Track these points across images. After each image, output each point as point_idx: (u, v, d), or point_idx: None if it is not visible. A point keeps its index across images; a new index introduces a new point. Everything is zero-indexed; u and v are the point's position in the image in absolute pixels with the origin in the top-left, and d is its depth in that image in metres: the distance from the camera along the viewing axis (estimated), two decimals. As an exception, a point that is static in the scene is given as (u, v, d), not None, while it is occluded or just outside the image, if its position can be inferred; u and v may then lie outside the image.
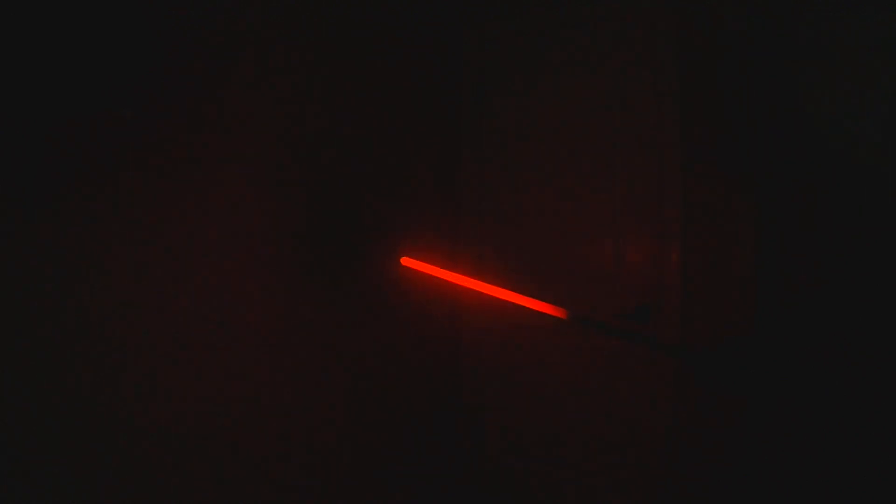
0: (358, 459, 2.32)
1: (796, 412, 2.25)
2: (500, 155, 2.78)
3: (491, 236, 2.80)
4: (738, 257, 2.34)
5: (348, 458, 2.28)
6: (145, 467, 1.64)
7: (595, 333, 2.51)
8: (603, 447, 2.54)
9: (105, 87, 1.52)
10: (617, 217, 2.52)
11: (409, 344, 2.55)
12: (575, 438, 2.60)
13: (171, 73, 1.69)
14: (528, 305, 1.52)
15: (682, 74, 2.41)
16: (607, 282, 2.54)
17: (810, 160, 2.26)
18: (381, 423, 2.42)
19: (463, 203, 2.85)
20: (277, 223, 2.00)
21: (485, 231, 2.81)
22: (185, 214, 1.73)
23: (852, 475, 2.15)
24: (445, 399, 2.82)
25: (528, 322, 2.62)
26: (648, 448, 2.46)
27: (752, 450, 2.31)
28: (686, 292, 2.40)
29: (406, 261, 1.62)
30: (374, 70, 2.39)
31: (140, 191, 1.62)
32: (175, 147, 1.70)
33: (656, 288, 2.45)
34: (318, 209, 2.13)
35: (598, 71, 2.56)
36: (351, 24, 2.29)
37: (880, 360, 2.12)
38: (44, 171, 1.43)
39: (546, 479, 2.67)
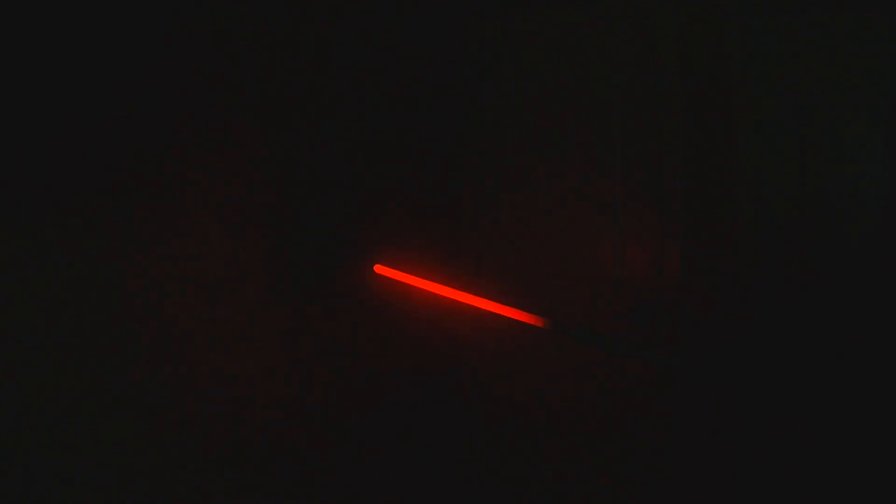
0: (341, 469, 2.32)
1: (794, 414, 2.25)
2: (499, 155, 2.77)
3: (490, 238, 2.78)
4: (739, 257, 2.34)
5: (333, 468, 2.28)
6: (137, 463, 1.66)
7: (578, 343, 2.51)
8: (602, 447, 2.55)
9: (115, 100, 1.57)
10: (617, 218, 2.52)
11: (389, 353, 2.49)
12: (574, 440, 2.60)
13: (168, 80, 1.70)
14: (509, 315, 1.47)
15: (684, 74, 2.41)
16: (607, 282, 2.53)
17: (810, 160, 2.27)
18: (361, 433, 2.39)
19: (463, 203, 2.83)
20: (259, 225, 1.99)
21: (484, 233, 2.79)
22: (166, 217, 1.74)
23: (850, 476, 2.15)
24: (437, 406, 2.78)
25: (522, 328, 2.58)
26: (646, 449, 2.46)
27: (748, 452, 2.31)
28: (686, 292, 2.40)
29: (379, 268, 1.58)
30: (370, 67, 2.38)
31: (124, 204, 1.64)
32: (158, 145, 1.71)
33: (656, 288, 2.45)
34: (297, 214, 2.11)
35: (599, 70, 2.56)
36: (349, 22, 2.29)
37: (880, 362, 2.12)
38: (50, 180, 1.47)
39: (544, 481, 2.66)
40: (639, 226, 2.47)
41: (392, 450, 2.51)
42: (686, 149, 2.40)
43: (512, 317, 1.42)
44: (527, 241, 2.71)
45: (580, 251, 2.59)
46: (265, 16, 2.00)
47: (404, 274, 1.57)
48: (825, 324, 2.19)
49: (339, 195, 2.23)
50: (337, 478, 2.26)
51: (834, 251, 2.19)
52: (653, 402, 2.45)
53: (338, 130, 2.25)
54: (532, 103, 2.70)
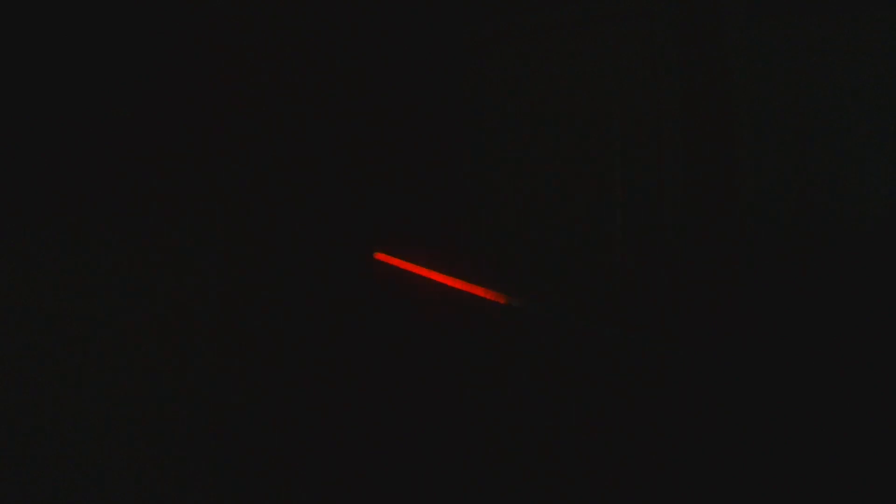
0: (346, 461, 2.31)
1: (794, 414, 2.26)
2: (499, 155, 2.79)
3: (490, 237, 2.80)
4: (739, 257, 2.35)
5: (336, 462, 2.27)
6: (137, 464, 1.65)
7: (585, 334, 2.53)
8: (599, 445, 2.55)
9: (117, 103, 1.55)
10: (617, 217, 2.54)
11: (389, 338, 2.49)
12: (570, 436, 2.61)
13: (167, 69, 1.69)
14: (503, 302, 1.40)
15: (683, 73, 2.42)
16: (607, 282, 2.55)
17: (811, 161, 2.27)
18: (357, 418, 2.39)
19: (463, 205, 2.86)
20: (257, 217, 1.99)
21: (484, 232, 2.81)
22: (164, 211, 1.73)
23: (850, 477, 2.17)
24: (428, 394, 2.79)
25: (518, 319, 2.65)
26: (645, 447, 2.46)
27: (747, 452, 2.32)
28: (686, 292, 2.41)
29: (379, 256, 1.50)
30: (370, 65, 2.41)
31: (126, 194, 1.63)
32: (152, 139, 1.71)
33: (656, 288, 2.46)
34: (300, 206, 2.12)
35: (599, 70, 2.57)
36: (352, 22, 2.31)
37: (881, 363, 2.14)
38: (49, 183, 1.46)
39: (540, 477, 2.67)
40: (639, 225, 2.49)
41: (393, 438, 2.50)
42: (686, 148, 2.40)
43: (504, 304, 1.36)
44: (526, 241, 2.72)
45: (580, 251, 2.60)
46: (273, 19, 2.02)
47: (403, 262, 1.50)
48: (825, 324, 2.21)
49: (346, 192, 2.28)
50: (341, 472, 2.25)
51: (835, 252, 2.20)
52: (652, 401, 2.46)
53: (347, 132, 2.29)
54: (531, 103, 2.71)
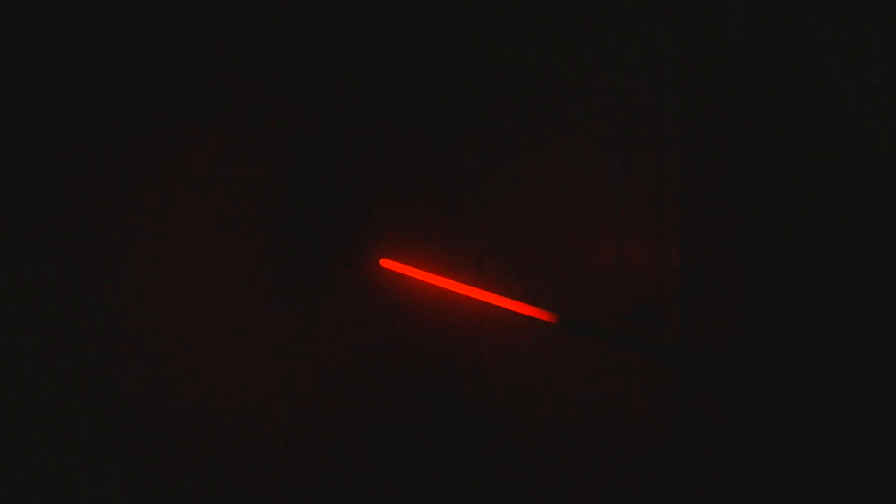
0: (342, 459, 2.33)
1: (794, 415, 2.24)
2: (500, 156, 2.78)
3: (491, 238, 2.80)
4: (738, 258, 2.33)
5: (333, 458, 2.29)
6: (138, 465, 1.68)
7: (587, 338, 2.53)
8: (598, 447, 2.57)
9: (118, 100, 1.58)
10: (617, 217, 2.53)
11: (393, 345, 2.51)
12: (572, 439, 2.62)
13: (168, 70, 1.72)
14: (514, 309, 1.41)
15: (682, 74, 2.41)
16: (607, 282, 2.54)
17: (811, 160, 2.26)
18: (360, 425, 2.40)
19: (463, 205, 2.86)
20: (260, 222, 2.00)
21: (484, 233, 2.81)
22: (167, 213, 1.74)
23: (849, 477, 2.15)
24: (434, 401, 2.82)
25: (522, 323, 2.64)
26: (642, 448, 2.47)
27: (747, 452, 2.31)
28: (686, 292, 2.40)
29: (385, 262, 1.51)
30: (370, 68, 2.39)
31: (128, 193, 1.64)
32: (163, 143, 1.73)
33: (656, 288, 2.46)
34: (299, 210, 2.12)
35: (598, 72, 2.56)
36: (353, 25, 2.30)
37: (881, 364, 2.12)
38: (50, 177, 1.48)
39: (542, 479, 2.68)
40: (639, 226, 2.48)
41: (396, 446, 2.52)
42: (686, 148, 2.39)
43: (516, 310, 1.37)
44: (525, 243, 2.72)
45: (580, 251, 2.60)
46: (272, 19, 2.02)
47: (410, 268, 1.51)
48: (825, 324, 2.20)
49: (345, 194, 2.25)
50: (340, 477, 2.27)
51: (835, 252, 2.19)
52: (651, 400, 2.45)
53: (345, 133, 2.27)
54: (532, 103, 2.70)
